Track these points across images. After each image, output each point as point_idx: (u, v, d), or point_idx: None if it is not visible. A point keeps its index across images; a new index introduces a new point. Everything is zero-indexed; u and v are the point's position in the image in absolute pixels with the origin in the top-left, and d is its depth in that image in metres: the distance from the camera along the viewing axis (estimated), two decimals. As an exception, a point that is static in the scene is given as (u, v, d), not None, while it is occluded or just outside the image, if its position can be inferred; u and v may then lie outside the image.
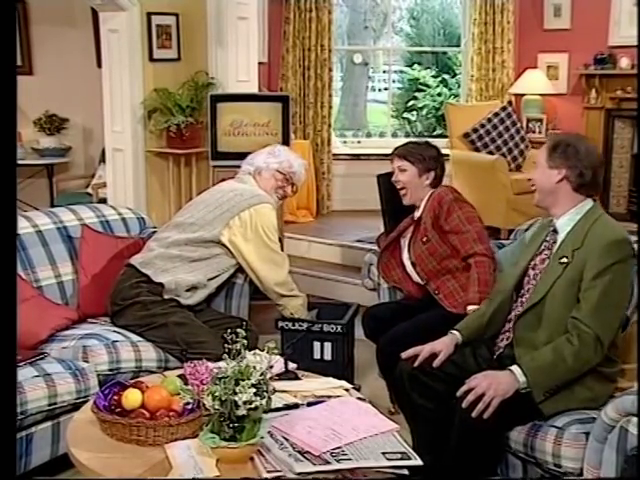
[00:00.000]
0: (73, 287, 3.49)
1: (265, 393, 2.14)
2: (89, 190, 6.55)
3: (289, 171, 3.59)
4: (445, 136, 7.00)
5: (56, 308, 3.34)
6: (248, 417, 2.12)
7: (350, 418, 2.36)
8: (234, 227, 3.37)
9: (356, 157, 7.28)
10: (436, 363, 2.72)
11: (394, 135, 8.33)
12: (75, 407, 2.80)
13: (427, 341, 2.80)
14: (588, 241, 2.57)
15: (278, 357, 2.53)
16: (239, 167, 3.69)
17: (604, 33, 6.71)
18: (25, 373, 2.84)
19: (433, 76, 9.27)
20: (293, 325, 3.42)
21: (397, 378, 2.81)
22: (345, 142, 7.76)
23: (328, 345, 3.41)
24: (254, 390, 2.11)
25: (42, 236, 3.47)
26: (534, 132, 7.08)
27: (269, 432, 2.23)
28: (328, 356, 3.42)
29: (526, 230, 3.54)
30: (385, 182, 3.84)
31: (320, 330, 3.41)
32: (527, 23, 7.21)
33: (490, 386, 2.44)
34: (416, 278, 3.44)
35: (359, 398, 2.60)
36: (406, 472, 2.17)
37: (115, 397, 2.38)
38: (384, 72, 9.97)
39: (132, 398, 2.34)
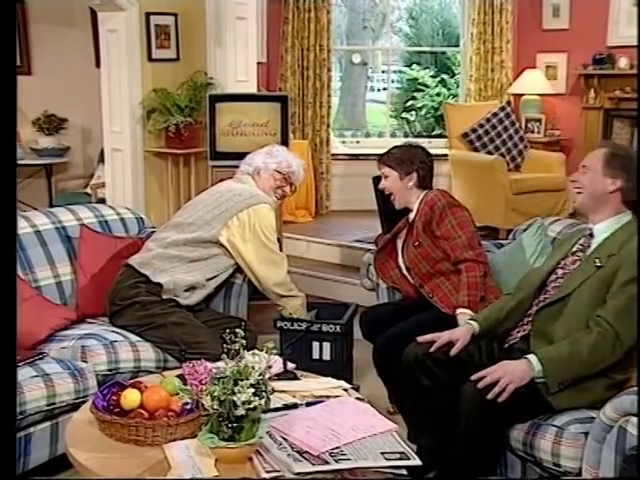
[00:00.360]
0: (72, 287, 3.49)
1: (264, 393, 2.14)
2: (88, 190, 6.54)
3: (288, 171, 3.59)
4: (444, 136, 7.00)
5: (55, 308, 3.33)
6: (247, 417, 2.11)
7: (349, 418, 2.36)
8: (233, 227, 3.37)
9: (355, 157, 7.27)
10: (453, 352, 2.73)
11: (393, 135, 8.34)
12: (74, 407, 2.79)
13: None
14: (625, 251, 2.57)
15: (277, 357, 2.52)
16: (238, 167, 3.68)
17: (603, 33, 6.71)
18: (24, 373, 2.83)
19: (432, 76, 9.27)
20: (292, 325, 3.42)
21: (404, 360, 2.82)
22: (344, 142, 7.76)
23: (327, 345, 3.41)
24: (253, 390, 2.10)
25: (41, 236, 3.47)
26: (533, 132, 7.09)
27: (268, 432, 2.23)
28: (327, 356, 3.42)
29: (525, 230, 3.55)
30: (380, 184, 3.83)
31: (319, 330, 3.41)
32: (526, 23, 7.21)
33: (506, 373, 2.46)
34: (412, 280, 3.45)
35: (358, 398, 2.60)
36: (405, 472, 2.18)
37: (114, 397, 2.37)
38: (383, 72, 9.99)
39: (131, 398, 2.34)
